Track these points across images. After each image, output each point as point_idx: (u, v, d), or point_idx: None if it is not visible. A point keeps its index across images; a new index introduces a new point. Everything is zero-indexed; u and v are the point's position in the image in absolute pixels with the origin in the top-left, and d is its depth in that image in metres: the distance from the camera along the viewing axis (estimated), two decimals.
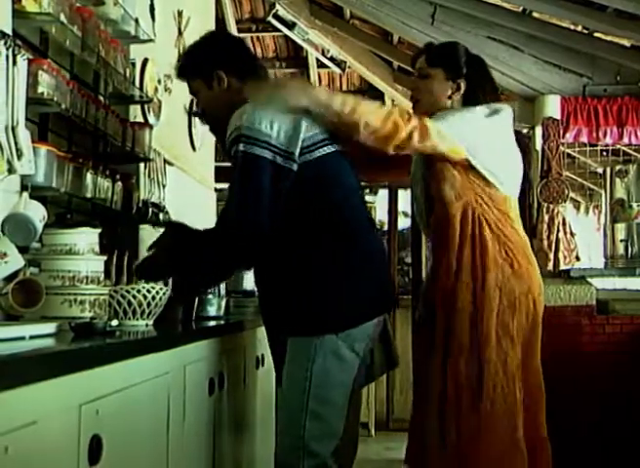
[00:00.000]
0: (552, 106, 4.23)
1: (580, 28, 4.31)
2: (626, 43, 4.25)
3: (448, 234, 2.31)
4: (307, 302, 2.04)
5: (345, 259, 2.05)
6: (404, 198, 5.73)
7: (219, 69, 2.12)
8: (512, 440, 2.28)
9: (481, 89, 2.40)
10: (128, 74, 2.89)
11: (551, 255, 4.13)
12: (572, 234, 4.20)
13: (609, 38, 4.24)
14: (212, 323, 2.65)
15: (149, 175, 3.28)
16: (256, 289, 2.30)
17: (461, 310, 2.29)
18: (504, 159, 2.39)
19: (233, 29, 6.59)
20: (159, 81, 3.48)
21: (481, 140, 2.30)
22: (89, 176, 2.48)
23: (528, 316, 2.35)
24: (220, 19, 6.10)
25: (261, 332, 3.01)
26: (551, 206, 4.16)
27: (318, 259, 2.04)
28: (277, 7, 5.90)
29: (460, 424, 2.27)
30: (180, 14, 3.90)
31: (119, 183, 2.75)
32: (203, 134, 4.30)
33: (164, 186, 3.42)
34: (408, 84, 2.53)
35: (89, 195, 2.48)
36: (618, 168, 4.16)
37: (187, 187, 3.92)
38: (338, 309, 2.04)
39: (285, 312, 2.10)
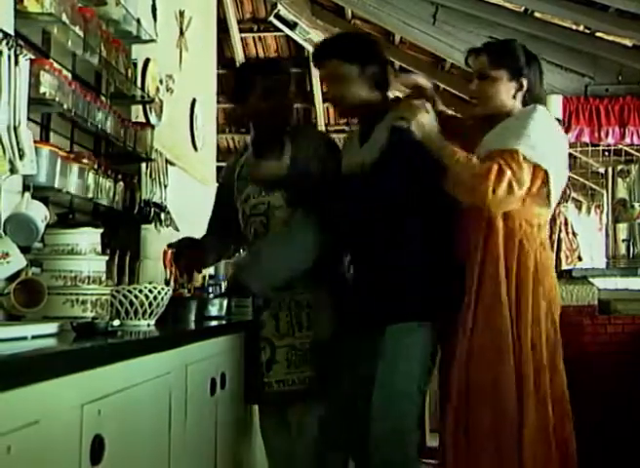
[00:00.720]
0: (554, 106, 4.22)
1: (581, 28, 4.30)
2: (628, 43, 4.25)
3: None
4: (422, 288, 2.24)
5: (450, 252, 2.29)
6: None
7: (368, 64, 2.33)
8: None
9: (538, 86, 2.38)
10: (130, 74, 2.89)
11: (553, 255, 4.12)
12: (574, 234, 4.20)
13: (611, 38, 4.24)
14: (213, 323, 2.65)
15: (151, 175, 3.28)
16: (360, 280, 2.41)
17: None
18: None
19: (235, 29, 6.60)
20: (161, 81, 3.49)
21: (558, 157, 2.32)
22: (91, 176, 2.48)
23: (549, 339, 2.29)
24: (222, 20, 6.10)
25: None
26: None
27: (435, 249, 2.27)
28: (279, 7, 5.91)
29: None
30: (181, 14, 3.90)
31: (121, 183, 2.75)
32: (204, 134, 4.30)
33: (165, 186, 3.42)
34: (466, 86, 2.49)
35: (90, 195, 2.48)
36: (619, 168, 4.15)
37: (189, 187, 3.92)
38: (441, 298, 2.25)
39: (397, 298, 2.25)
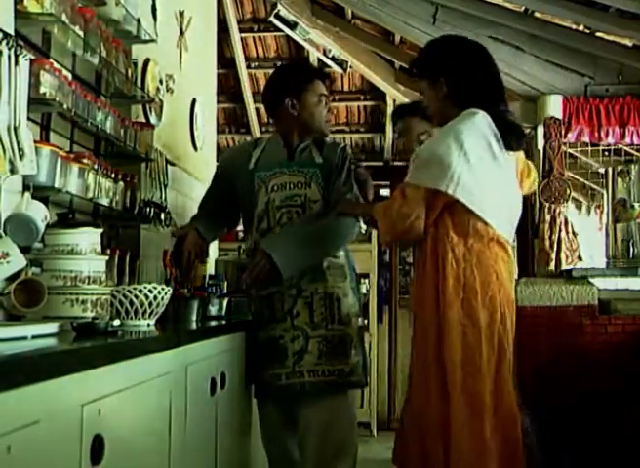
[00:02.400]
0: (554, 106, 4.22)
1: (581, 28, 4.30)
2: (628, 43, 4.24)
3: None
4: None
5: None
6: None
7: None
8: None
9: (460, 78, 2.32)
10: (130, 74, 2.89)
11: (553, 255, 4.12)
12: (574, 234, 4.19)
13: (611, 38, 4.23)
14: (213, 323, 2.65)
15: (151, 175, 3.28)
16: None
17: (425, 336, 2.30)
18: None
19: (235, 29, 6.60)
20: (161, 81, 3.48)
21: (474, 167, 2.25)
22: (91, 176, 2.48)
23: (494, 349, 2.25)
24: (222, 20, 6.10)
25: None
26: (553, 206, 4.16)
27: None
28: (279, 7, 5.90)
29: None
30: (181, 14, 3.90)
31: (121, 183, 2.75)
32: (204, 134, 4.30)
33: (165, 186, 3.42)
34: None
35: (91, 195, 2.48)
36: (619, 168, 4.15)
37: (189, 187, 3.92)
38: None
39: None
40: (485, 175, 2.24)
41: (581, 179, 5.72)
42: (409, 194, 2.26)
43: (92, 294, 2.03)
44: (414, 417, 2.32)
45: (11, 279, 1.89)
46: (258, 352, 2.60)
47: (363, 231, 3.68)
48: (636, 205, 4.03)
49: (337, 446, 2.55)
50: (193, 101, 4.09)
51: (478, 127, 2.24)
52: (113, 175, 2.68)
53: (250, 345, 2.62)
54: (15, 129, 1.93)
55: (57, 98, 2.21)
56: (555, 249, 4.14)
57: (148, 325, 2.06)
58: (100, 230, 2.23)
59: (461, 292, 2.23)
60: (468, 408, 2.19)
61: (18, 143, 1.92)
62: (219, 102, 5.40)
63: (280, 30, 6.31)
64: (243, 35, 6.80)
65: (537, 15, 4.30)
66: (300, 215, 2.57)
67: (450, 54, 2.39)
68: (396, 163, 7.60)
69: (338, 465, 2.53)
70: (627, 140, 4.23)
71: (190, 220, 2.88)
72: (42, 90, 2.14)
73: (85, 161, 2.45)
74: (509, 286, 2.32)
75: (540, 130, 4.27)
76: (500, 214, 2.31)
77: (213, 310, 2.81)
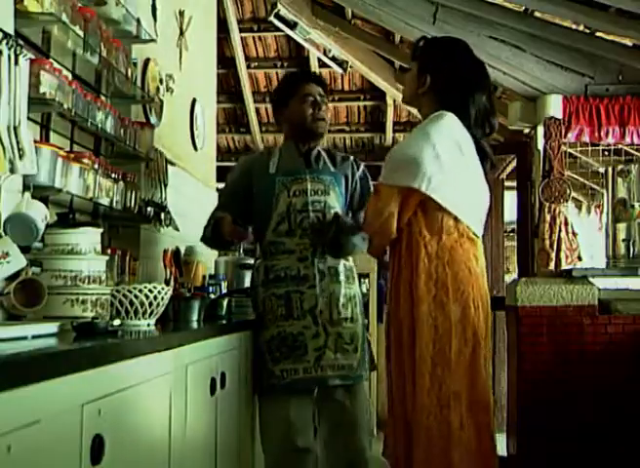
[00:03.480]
0: (554, 106, 4.22)
1: (582, 28, 4.30)
2: (629, 42, 4.24)
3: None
4: None
5: None
6: None
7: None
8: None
9: (444, 82, 2.40)
10: (130, 74, 2.89)
11: (553, 255, 4.12)
12: (574, 234, 4.19)
13: (611, 38, 4.23)
14: (213, 322, 2.65)
15: (151, 175, 3.28)
16: None
17: (399, 332, 2.35)
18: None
19: (235, 29, 6.60)
20: (161, 81, 3.49)
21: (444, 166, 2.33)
22: (91, 176, 2.48)
23: (467, 342, 2.30)
24: (222, 19, 6.10)
25: None
26: (553, 205, 4.15)
27: None
28: (279, 7, 5.90)
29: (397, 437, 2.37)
30: (181, 14, 3.90)
31: (121, 183, 2.75)
32: (204, 133, 4.30)
33: (165, 186, 3.42)
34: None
35: (91, 195, 2.48)
36: (619, 167, 4.14)
37: (189, 187, 3.92)
38: None
39: None
40: (455, 172, 2.32)
41: (581, 179, 5.72)
42: (382, 193, 2.35)
43: (92, 294, 2.03)
44: (395, 411, 2.38)
45: (11, 279, 1.89)
46: (267, 348, 2.67)
47: None
48: (636, 205, 4.02)
49: (356, 431, 2.74)
50: (193, 101, 4.09)
51: (447, 127, 2.34)
52: (113, 175, 2.68)
53: (256, 341, 2.69)
54: (15, 128, 1.93)
55: (57, 98, 2.21)
56: (555, 248, 4.13)
57: (148, 325, 2.06)
58: (100, 230, 2.24)
59: (433, 289, 2.30)
60: (436, 397, 2.25)
61: (18, 143, 1.92)
62: (218, 102, 5.40)
63: (280, 30, 6.31)
64: (243, 35, 6.80)
65: (537, 14, 4.29)
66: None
67: (443, 57, 2.47)
68: None
69: (359, 446, 2.74)
70: (627, 140, 4.22)
71: (213, 216, 2.89)
72: (42, 89, 2.15)
73: (85, 161, 2.45)
74: (482, 281, 2.39)
75: (540, 129, 4.26)
76: (471, 210, 2.40)
77: (213, 310, 2.81)
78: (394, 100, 7.11)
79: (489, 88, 2.51)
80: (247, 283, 3.49)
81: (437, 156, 2.28)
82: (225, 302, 2.92)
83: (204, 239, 2.88)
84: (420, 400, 2.25)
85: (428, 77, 2.42)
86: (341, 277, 2.73)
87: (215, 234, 2.78)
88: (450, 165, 2.29)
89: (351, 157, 2.94)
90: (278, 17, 5.99)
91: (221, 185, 4.54)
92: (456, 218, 2.33)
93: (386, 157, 2.40)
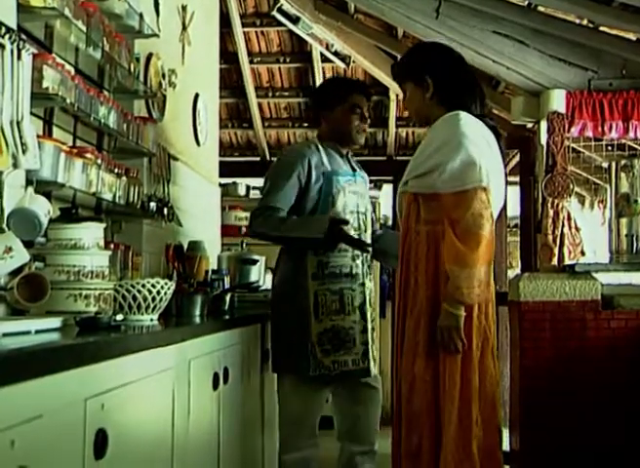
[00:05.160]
0: (557, 101, 4.20)
1: (585, 22, 4.28)
2: (632, 37, 4.23)
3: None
4: None
5: None
6: None
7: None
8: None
9: (445, 78, 2.49)
10: (132, 69, 2.89)
11: (556, 250, 4.11)
12: (577, 229, 4.18)
13: (614, 32, 4.21)
14: (216, 317, 2.65)
15: (154, 170, 3.28)
16: None
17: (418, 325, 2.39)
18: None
19: (237, 24, 6.58)
20: (163, 76, 3.48)
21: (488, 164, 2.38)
22: (93, 171, 2.47)
23: (480, 335, 2.34)
24: (225, 14, 6.09)
25: (266, 327, 3.02)
26: (556, 200, 4.14)
27: None
28: (281, 1, 5.89)
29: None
30: (184, 8, 3.90)
31: (124, 178, 2.75)
32: (207, 129, 4.30)
33: (168, 181, 3.42)
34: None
35: (93, 190, 2.48)
36: (623, 162, 4.13)
37: (192, 182, 3.92)
38: None
39: None
40: (490, 168, 2.37)
41: (585, 174, 5.71)
42: (467, 198, 2.30)
43: (95, 289, 2.03)
44: (415, 407, 2.38)
45: (14, 273, 1.89)
46: (317, 340, 2.77)
47: None
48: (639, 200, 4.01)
49: (374, 423, 2.97)
50: (196, 96, 4.09)
51: (471, 124, 2.39)
52: (116, 170, 2.68)
53: (304, 333, 2.75)
54: (17, 123, 1.92)
55: (59, 93, 2.21)
56: (558, 244, 4.12)
57: (151, 319, 2.06)
58: (103, 225, 2.24)
59: None
60: (463, 390, 2.29)
61: (21, 138, 1.92)
62: (221, 97, 5.39)
63: (283, 25, 6.29)
64: (245, 30, 6.78)
65: (540, 9, 4.28)
66: (366, 225, 2.96)
67: (435, 55, 2.57)
68: (399, 158, 7.59)
69: (374, 438, 2.95)
70: (631, 135, 4.20)
71: (288, 220, 2.86)
72: (45, 84, 2.14)
73: (88, 156, 2.45)
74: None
75: (544, 124, 4.25)
76: (496, 202, 2.43)
77: (216, 305, 2.81)
78: (397, 95, 7.09)
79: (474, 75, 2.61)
80: (250, 278, 3.49)
81: (481, 153, 2.35)
82: (228, 297, 2.92)
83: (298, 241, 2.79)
84: (449, 393, 2.29)
85: (428, 79, 2.48)
86: (371, 277, 2.97)
87: (331, 234, 2.73)
88: (487, 159, 2.37)
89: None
90: (281, 11, 5.98)
91: (224, 180, 4.53)
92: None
93: (440, 168, 2.35)
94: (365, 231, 2.93)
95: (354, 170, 2.97)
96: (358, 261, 2.85)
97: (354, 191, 2.90)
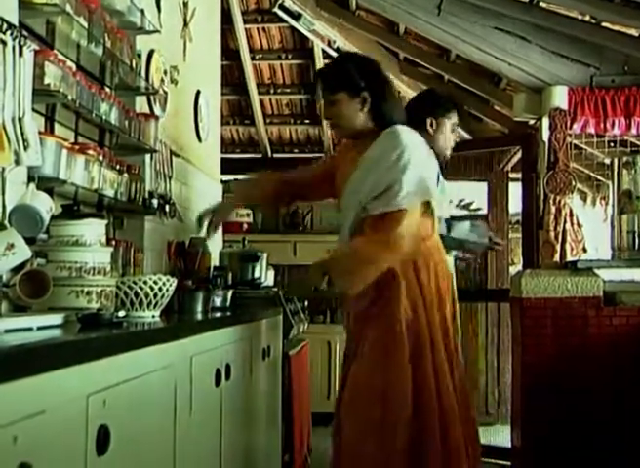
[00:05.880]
0: (559, 97, 4.20)
1: (587, 18, 4.27)
2: (634, 33, 4.22)
3: None
4: None
5: None
6: None
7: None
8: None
9: (382, 93, 2.52)
10: (134, 65, 2.89)
11: (558, 247, 4.11)
12: (579, 225, 4.17)
13: (617, 28, 4.21)
14: (218, 314, 2.65)
15: (155, 167, 3.28)
16: None
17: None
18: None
19: (239, 20, 6.58)
20: (165, 72, 3.48)
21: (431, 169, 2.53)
22: (95, 168, 2.47)
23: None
24: (226, 11, 6.08)
25: (268, 324, 3.02)
26: (558, 197, 4.14)
27: None
28: None
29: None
30: (185, 4, 3.89)
31: (125, 175, 2.75)
32: (209, 125, 4.30)
33: (170, 178, 3.42)
34: (324, 114, 2.73)
35: (95, 186, 2.48)
36: (625, 159, 4.12)
37: (193, 179, 3.92)
38: None
39: None
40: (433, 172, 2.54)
41: (587, 171, 5.70)
42: (407, 216, 2.38)
43: (97, 286, 2.03)
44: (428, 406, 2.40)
45: (16, 270, 1.89)
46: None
47: None
48: None
49: None
50: (197, 93, 4.09)
51: (414, 138, 2.46)
52: (118, 167, 2.68)
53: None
54: (19, 120, 1.92)
55: (61, 89, 2.21)
56: (560, 240, 4.12)
57: (153, 316, 2.06)
58: (105, 221, 2.24)
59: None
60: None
61: (22, 134, 1.92)
62: (223, 94, 5.38)
63: (284, 21, 6.29)
64: (247, 26, 6.77)
65: (542, 5, 4.27)
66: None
67: (372, 70, 2.57)
68: None
69: None
70: (633, 131, 4.20)
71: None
72: (46, 81, 2.14)
73: (90, 152, 2.45)
74: None
75: (546, 121, 4.24)
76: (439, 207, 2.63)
77: (218, 301, 2.81)
78: (399, 92, 7.08)
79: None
80: (252, 274, 3.50)
81: (427, 166, 2.47)
82: (230, 294, 2.92)
83: None
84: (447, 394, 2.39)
85: (365, 94, 2.48)
86: None
87: None
88: (432, 171, 2.51)
89: None
90: (282, 8, 5.97)
91: (226, 177, 4.55)
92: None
93: (386, 188, 2.39)
94: None
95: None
96: (453, 262, 3.06)
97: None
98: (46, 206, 2.01)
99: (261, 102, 7.50)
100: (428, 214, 2.47)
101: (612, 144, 4.50)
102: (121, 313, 1.89)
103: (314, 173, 2.86)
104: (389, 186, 2.36)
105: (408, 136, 2.43)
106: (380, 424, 2.30)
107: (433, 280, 2.46)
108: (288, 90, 7.41)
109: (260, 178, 2.96)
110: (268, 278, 3.74)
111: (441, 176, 3.01)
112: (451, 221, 3.07)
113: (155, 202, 3.11)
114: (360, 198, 2.41)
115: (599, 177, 5.79)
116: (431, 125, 3.00)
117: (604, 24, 4.24)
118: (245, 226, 5.77)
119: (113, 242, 2.66)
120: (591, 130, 4.22)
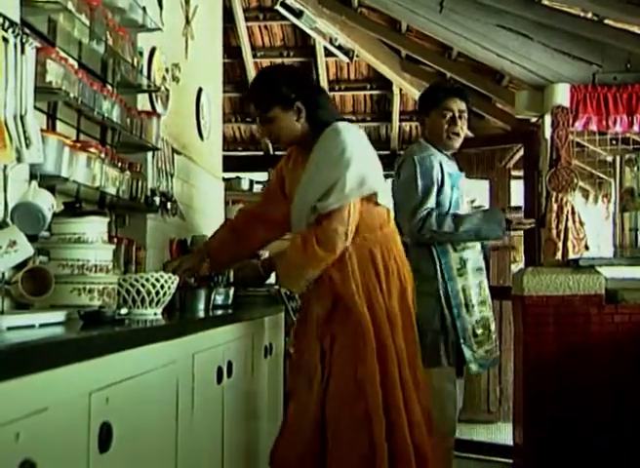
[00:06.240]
0: (562, 95, 4.18)
1: (590, 15, 4.26)
2: (637, 30, 4.20)
3: None
4: None
5: None
6: None
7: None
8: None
9: (315, 99, 2.54)
10: (136, 63, 2.89)
11: (560, 245, 4.10)
12: (581, 223, 4.17)
13: (619, 25, 4.19)
14: (220, 312, 2.65)
15: (157, 165, 3.28)
16: None
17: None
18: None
19: (240, 18, 6.57)
20: (167, 70, 3.48)
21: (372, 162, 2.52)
22: (97, 166, 2.48)
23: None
24: (228, 8, 6.08)
25: (269, 321, 3.02)
26: (560, 195, 4.13)
27: None
28: None
29: None
30: (187, 2, 3.89)
31: (127, 172, 2.75)
32: (211, 123, 4.30)
33: (172, 175, 3.42)
34: (262, 132, 2.76)
35: (97, 184, 2.48)
36: (627, 156, 4.12)
37: (195, 176, 3.92)
38: None
39: None
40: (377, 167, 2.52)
41: (589, 168, 5.69)
42: (348, 210, 2.41)
43: (99, 283, 2.03)
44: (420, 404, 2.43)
45: (18, 268, 1.89)
46: (472, 332, 3.04)
47: None
48: None
49: None
50: (199, 91, 4.09)
51: (354, 134, 2.47)
52: (120, 165, 2.68)
53: (456, 327, 3.02)
54: (21, 117, 1.92)
55: (63, 87, 2.21)
56: (562, 238, 4.11)
57: (155, 314, 2.06)
58: (107, 219, 2.24)
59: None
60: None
61: (24, 132, 1.92)
62: (225, 92, 5.38)
63: (286, 19, 6.28)
64: (249, 24, 6.77)
65: (544, 2, 4.27)
66: None
67: (298, 78, 2.62)
68: (402, 151, 7.57)
69: None
70: (636, 129, 4.19)
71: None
72: (48, 78, 2.14)
73: (92, 150, 2.45)
74: None
75: (548, 119, 4.23)
76: (388, 197, 2.60)
77: (219, 299, 2.81)
78: (400, 90, 7.08)
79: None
80: None
81: (370, 160, 2.48)
82: (232, 292, 2.92)
83: None
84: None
85: (299, 104, 2.50)
86: None
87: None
88: (373, 158, 2.52)
89: None
90: (284, 5, 5.96)
91: (228, 175, 4.53)
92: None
93: (329, 184, 2.40)
94: None
95: (460, 169, 3.23)
96: (481, 256, 3.14)
97: (464, 190, 3.20)
98: (48, 203, 2.01)
99: None
100: (381, 204, 2.50)
101: (614, 142, 4.49)
102: (123, 311, 1.90)
103: (268, 191, 2.90)
104: (334, 184, 2.37)
105: (348, 132, 2.45)
106: (366, 417, 2.31)
107: (394, 267, 2.47)
108: None
109: (217, 241, 2.89)
110: (270, 276, 3.74)
111: (460, 172, 3.16)
112: (455, 217, 3.04)
113: (157, 200, 3.11)
114: (309, 199, 2.42)
115: (601, 175, 5.78)
116: (423, 123, 3.26)
117: (606, 22, 4.23)
118: None
119: (115, 240, 2.66)
120: (593, 127, 4.21)
